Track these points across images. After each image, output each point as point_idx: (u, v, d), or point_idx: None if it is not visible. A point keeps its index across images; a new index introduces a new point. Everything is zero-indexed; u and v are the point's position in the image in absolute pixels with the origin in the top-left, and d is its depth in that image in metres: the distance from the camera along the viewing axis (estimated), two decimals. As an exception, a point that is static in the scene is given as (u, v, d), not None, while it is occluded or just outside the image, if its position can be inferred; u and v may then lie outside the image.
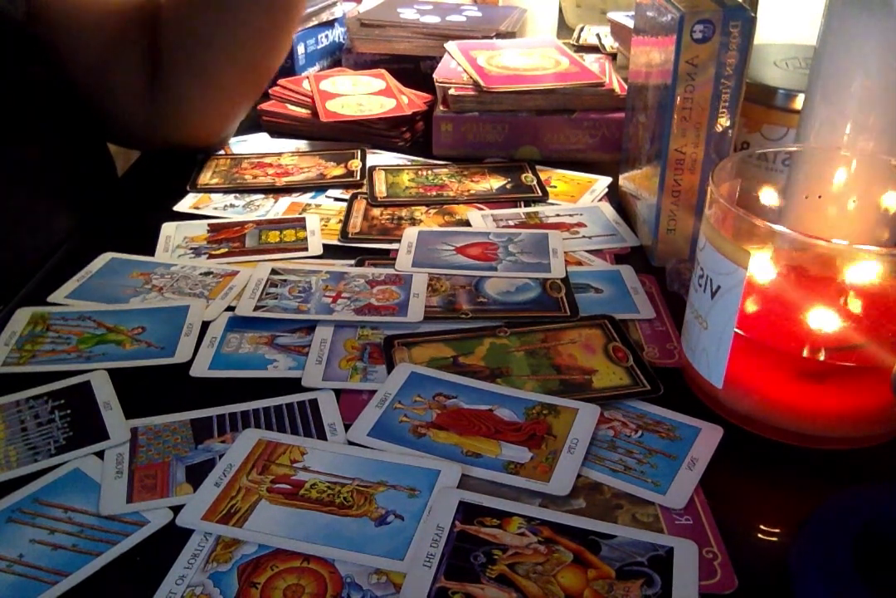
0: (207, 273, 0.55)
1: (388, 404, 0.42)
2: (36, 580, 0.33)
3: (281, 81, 0.84)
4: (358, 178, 0.68)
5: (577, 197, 0.66)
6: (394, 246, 0.58)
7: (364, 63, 0.92)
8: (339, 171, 0.70)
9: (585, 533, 0.35)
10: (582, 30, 0.99)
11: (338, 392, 0.43)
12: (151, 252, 0.58)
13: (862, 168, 0.43)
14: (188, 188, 0.67)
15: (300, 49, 0.90)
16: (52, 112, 0.64)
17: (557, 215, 0.63)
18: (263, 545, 0.34)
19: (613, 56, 0.88)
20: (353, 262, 0.56)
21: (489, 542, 0.34)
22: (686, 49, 0.47)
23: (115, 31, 0.64)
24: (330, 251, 0.58)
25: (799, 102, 0.54)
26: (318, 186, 0.68)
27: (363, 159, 0.71)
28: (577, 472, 0.38)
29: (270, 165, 0.71)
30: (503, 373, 0.45)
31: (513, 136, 0.72)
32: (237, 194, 0.67)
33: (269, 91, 0.82)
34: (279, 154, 0.74)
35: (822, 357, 0.38)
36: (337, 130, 0.77)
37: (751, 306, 0.41)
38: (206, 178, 0.69)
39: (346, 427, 0.41)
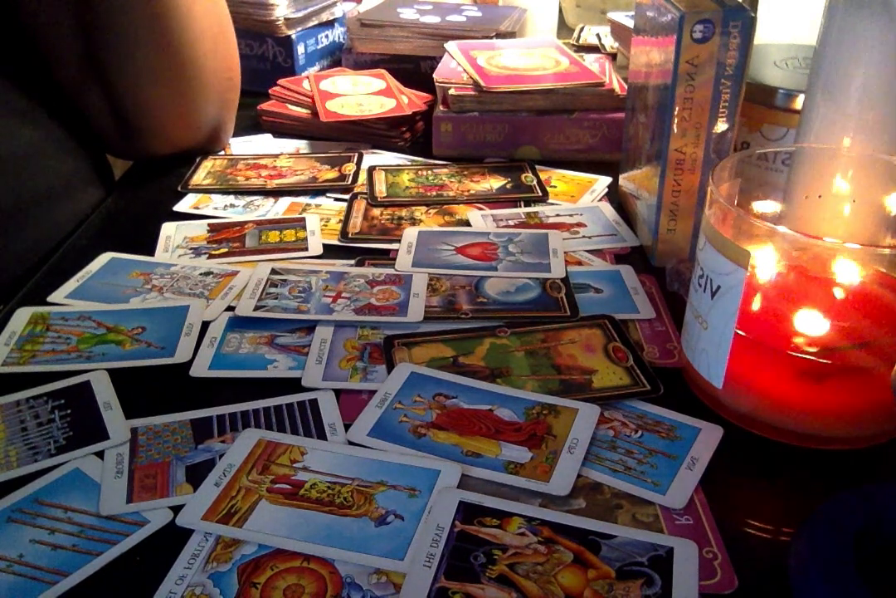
0: (207, 273, 0.55)
1: (388, 404, 0.42)
2: (36, 580, 0.33)
3: (281, 81, 0.84)
4: (349, 182, 0.68)
5: (577, 197, 0.66)
6: (394, 246, 0.58)
7: (364, 63, 0.92)
8: (332, 174, 0.69)
9: (585, 533, 0.35)
10: (582, 30, 0.99)
11: (338, 392, 0.43)
12: (151, 252, 0.58)
13: (862, 168, 0.43)
14: (179, 189, 0.67)
15: (300, 49, 0.90)
16: (52, 110, 0.64)
17: (557, 215, 0.63)
18: (263, 545, 0.34)
19: (613, 56, 0.88)
20: (353, 262, 0.56)
21: (489, 542, 0.34)
22: (686, 49, 0.47)
23: (84, 48, 0.64)
24: (330, 251, 0.58)
25: (799, 102, 0.54)
26: (308, 190, 0.67)
27: (358, 163, 0.71)
28: (577, 472, 0.38)
29: (265, 166, 0.71)
30: (503, 373, 0.45)
31: (513, 136, 0.72)
32: (237, 194, 0.67)
33: (269, 91, 0.82)
34: (276, 156, 0.74)
35: (821, 357, 0.38)
36: (337, 130, 0.77)
37: (751, 306, 0.41)
38: (199, 178, 0.69)
39: (346, 427, 0.41)
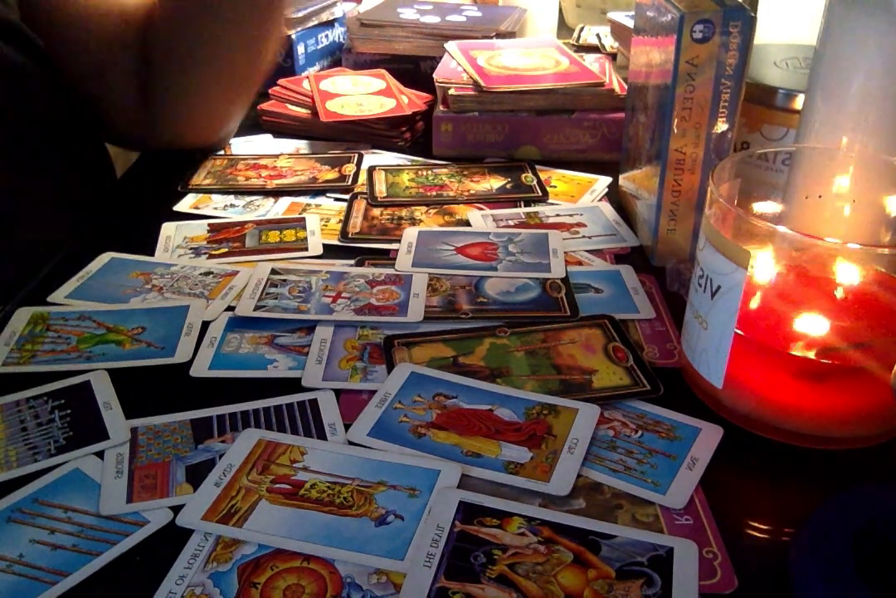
0: (207, 273, 0.55)
1: (388, 404, 0.42)
2: (36, 580, 0.33)
3: (281, 81, 0.84)
4: (349, 183, 0.67)
5: (577, 197, 0.66)
6: (394, 246, 0.58)
7: (364, 63, 0.92)
8: (332, 175, 0.69)
9: (585, 533, 0.35)
10: (582, 30, 0.99)
11: (338, 392, 0.43)
12: (151, 252, 0.58)
13: (862, 168, 0.43)
14: (179, 188, 0.67)
15: (300, 49, 0.90)
16: (49, 110, 0.64)
17: (557, 215, 0.63)
18: (263, 545, 0.34)
19: (613, 56, 0.88)
20: (353, 262, 0.56)
21: (489, 542, 0.34)
22: (686, 49, 0.47)
23: (112, 35, 0.64)
24: (330, 251, 0.58)
25: (799, 102, 0.54)
26: (308, 190, 0.67)
27: (358, 164, 0.71)
28: (577, 472, 0.38)
29: (265, 166, 0.71)
30: (503, 373, 0.45)
31: (513, 136, 0.72)
32: (237, 194, 0.67)
33: (269, 91, 0.82)
34: (276, 156, 0.73)
35: (821, 357, 0.38)
36: (337, 130, 0.77)
37: (751, 306, 0.41)
38: (199, 178, 0.69)
39: (346, 427, 0.41)
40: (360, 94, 0.80)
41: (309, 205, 0.65)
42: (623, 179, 0.66)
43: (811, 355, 0.39)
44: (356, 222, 0.62)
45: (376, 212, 0.63)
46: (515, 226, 0.61)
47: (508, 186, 0.67)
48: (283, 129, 0.80)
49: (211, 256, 0.57)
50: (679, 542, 0.34)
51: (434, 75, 0.75)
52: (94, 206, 0.66)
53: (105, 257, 0.56)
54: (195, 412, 0.42)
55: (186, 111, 0.68)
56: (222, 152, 0.75)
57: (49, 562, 0.34)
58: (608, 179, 0.69)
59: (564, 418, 0.41)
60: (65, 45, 0.64)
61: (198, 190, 0.67)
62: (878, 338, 0.39)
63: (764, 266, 0.40)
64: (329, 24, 0.96)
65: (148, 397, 0.43)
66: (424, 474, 0.38)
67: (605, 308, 0.50)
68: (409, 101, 0.79)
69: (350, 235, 0.60)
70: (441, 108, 0.73)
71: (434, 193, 0.66)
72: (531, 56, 0.79)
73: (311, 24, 0.92)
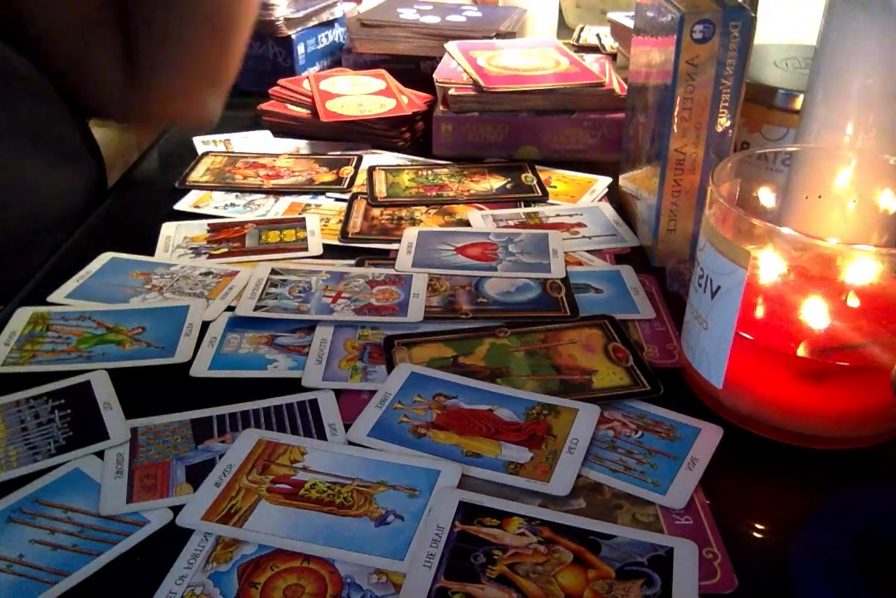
0: (207, 273, 0.55)
1: (388, 404, 0.42)
2: (36, 580, 0.33)
3: (281, 81, 0.84)
4: (345, 186, 0.67)
5: (577, 197, 0.66)
6: (394, 246, 0.58)
7: (364, 63, 0.92)
8: (329, 177, 0.69)
9: (585, 533, 0.35)
10: (582, 30, 0.99)
11: (338, 392, 0.43)
12: (151, 252, 0.58)
13: (862, 168, 0.43)
14: (177, 185, 0.67)
15: (300, 49, 0.90)
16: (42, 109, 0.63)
17: (557, 215, 0.63)
18: (263, 545, 0.34)
19: (613, 56, 0.88)
20: (353, 262, 0.56)
21: (489, 542, 0.34)
22: (686, 49, 0.47)
23: (94, 8, 0.64)
24: (330, 251, 0.58)
25: (799, 102, 0.54)
26: (304, 192, 0.67)
27: (356, 167, 0.71)
28: (577, 472, 0.38)
29: (264, 166, 0.71)
30: (503, 373, 0.45)
31: (513, 136, 0.72)
32: (238, 193, 0.67)
33: (270, 91, 0.82)
34: (277, 155, 0.73)
35: (821, 357, 0.38)
36: (337, 130, 0.77)
37: (751, 306, 0.41)
38: (197, 175, 0.69)
39: (346, 427, 0.41)
40: (360, 95, 0.80)
41: (309, 205, 0.65)
42: (623, 179, 0.66)
43: (811, 355, 0.39)
44: (356, 222, 0.62)
45: (376, 212, 0.63)
46: (515, 226, 0.61)
47: (508, 186, 0.67)
48: (283, 129, 0.80)
49: (211, 256, 0.57)
50: (679, 542, 0.34)
51: (434, 75, 0.75)
52: (93, 206, 0.66)
53: (105, 257, 0.56)
54: (195, 412, 0.42)
55: (164, 86, 0.67)
56: (224, 149, 0.75)
57: (49, 562, 0.34)
58: (608, 179, 0.69)
59: (564, 419, 0.41)
60: (45, 25, 0.63)
61: (195, 187, 0.67)
62: (878, 338, 0.39)
63: (764, 266, 0.40)
64: (329, 24, 0.96)
65: (148, 397, 0.43)
66: (424, 474, 0.38)
67: (605, 308, 0.50)
68: (409, 101, 0.79)
69: (350, 235, 0.60)
70: (441, 108, 0.73)
71: (434, 193, 0.66)
72: (531, 56, 0.79)
73: (311, 24, 0.92)
